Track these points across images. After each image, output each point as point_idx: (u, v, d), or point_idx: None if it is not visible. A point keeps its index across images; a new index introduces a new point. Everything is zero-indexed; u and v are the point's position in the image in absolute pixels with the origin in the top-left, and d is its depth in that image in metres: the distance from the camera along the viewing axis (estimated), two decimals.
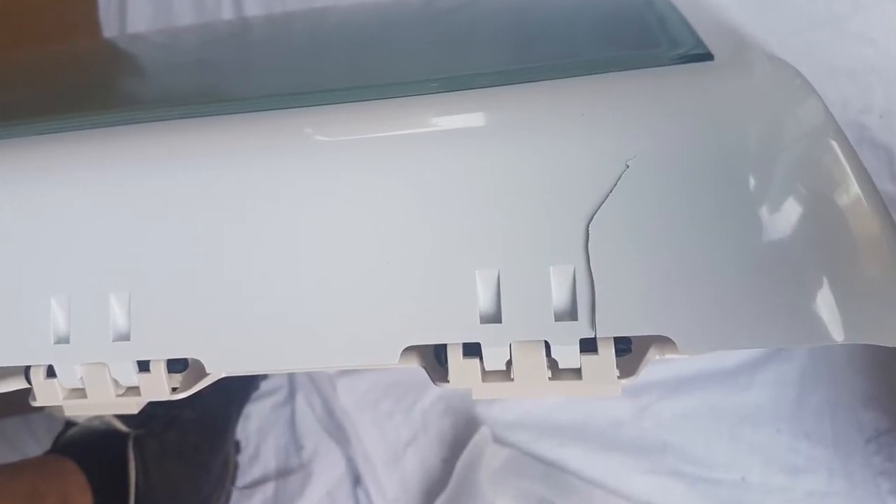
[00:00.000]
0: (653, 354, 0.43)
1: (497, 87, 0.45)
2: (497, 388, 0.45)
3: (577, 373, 0.44)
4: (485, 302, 0.42)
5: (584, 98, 0.43)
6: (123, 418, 0.97)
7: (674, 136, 0.41)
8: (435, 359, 0.45)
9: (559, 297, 0.42)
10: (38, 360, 0.47)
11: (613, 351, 0.42)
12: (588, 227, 0.41)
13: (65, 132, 0.49)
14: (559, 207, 0.41)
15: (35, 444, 1.17)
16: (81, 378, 0.47)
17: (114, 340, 0.46)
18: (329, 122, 0.45)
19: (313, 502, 1.11)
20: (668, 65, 0.44)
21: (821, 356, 1.05)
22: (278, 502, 1.13)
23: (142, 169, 0.46)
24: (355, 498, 1.11)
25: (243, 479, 1.14)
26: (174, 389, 0.48)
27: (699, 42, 0.47)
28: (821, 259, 0.39)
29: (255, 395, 1.18)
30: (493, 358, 0.43)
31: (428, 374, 0.46)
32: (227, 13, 1.29)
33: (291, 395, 1.17)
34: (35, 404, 0.49)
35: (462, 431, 1.10)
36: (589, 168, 0.41)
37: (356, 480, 1.11)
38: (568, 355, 0.42)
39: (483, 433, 1.07)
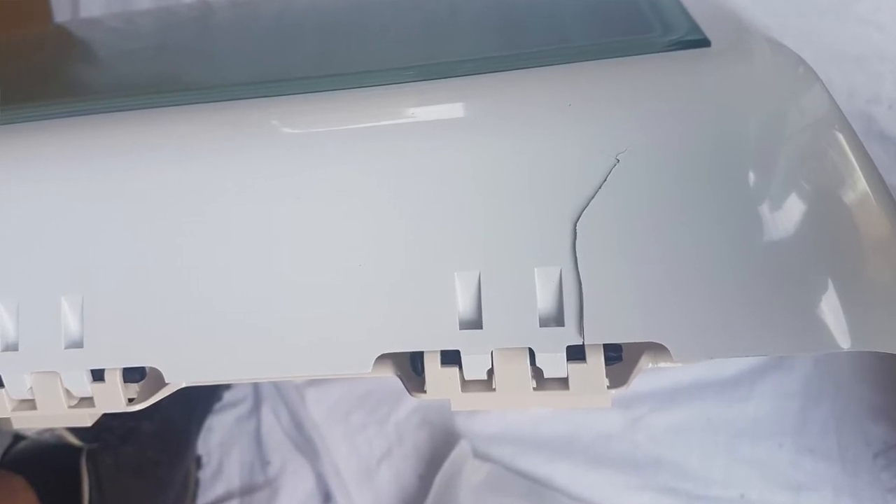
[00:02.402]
0: (645, 363, 0.44)
1: (478, 76, 0.45)
2: (478, 398, 0.45)
3: (563, 382, 0.44)
4: (464, 306, 0.42)
5: (572, 87, 0.43)
6: (76, 431, 0.96)
7: (668, 129, 0.41)
8: (411, 367, 0.45)
9: (544, 302, 0.42)
10: None
11: (603, 359, 0.42)
12: (575, 225, 0.41)
13: (10, 124, 0.49)
14: (545, 205, 0.41)
15: None
16: (31, 388, 0.47)
17: (66, 348, 0.45)
18: (297, 112, 0.45)
19: None
20: (662, 51, 0.44)
21: (826, 365, 1.05)
22: None
23: (95, 163, 0.45)
24: None
25: (205, 496, 1.14)
26: (131, 400, 0.48)
27: (695, 27, 0.47)
28: (825, 260, 0.40)
29: (217, 406, 1.17)
30: (474, 366, 0.43)
31: (403, 383, 0.46)
32: None
33: (257, 407, 1.17)
34: None
35: (440, 445, 1.10)
36: (576, 162, 0.41)
37: (326, 497, 1.10)
38: (554, 364, 0.42)
39: (463, 447, 1.07)
